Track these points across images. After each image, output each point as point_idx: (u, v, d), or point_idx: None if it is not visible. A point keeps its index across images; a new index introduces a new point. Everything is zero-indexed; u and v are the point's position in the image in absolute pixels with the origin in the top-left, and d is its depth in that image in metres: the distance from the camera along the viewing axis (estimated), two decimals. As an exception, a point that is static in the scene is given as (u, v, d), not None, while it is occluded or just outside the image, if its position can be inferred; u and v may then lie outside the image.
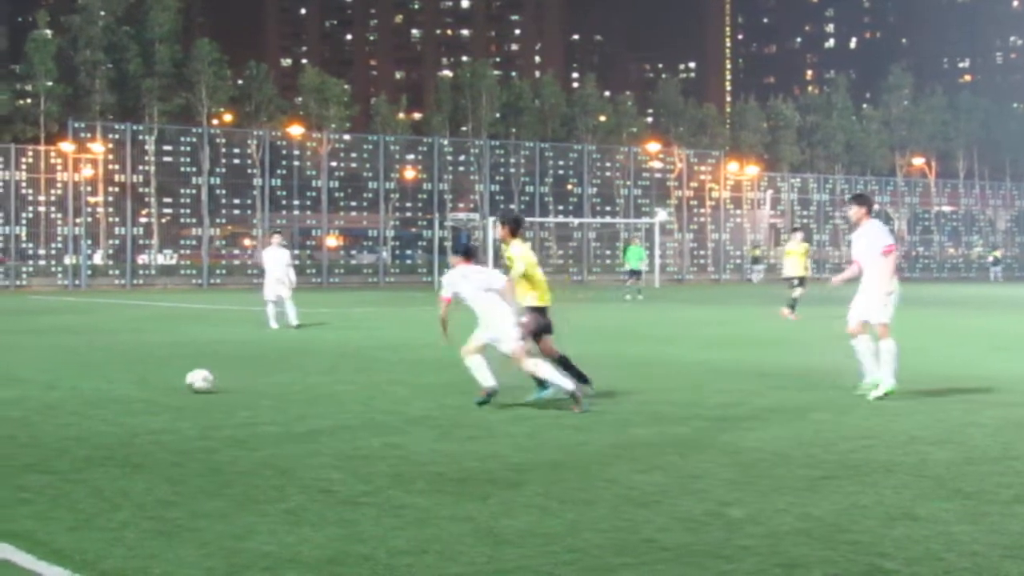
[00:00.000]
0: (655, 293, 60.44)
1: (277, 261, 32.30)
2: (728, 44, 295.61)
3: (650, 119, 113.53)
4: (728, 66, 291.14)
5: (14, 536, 8.48)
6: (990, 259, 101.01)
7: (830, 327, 24.92)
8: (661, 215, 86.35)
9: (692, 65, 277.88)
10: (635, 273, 54.96)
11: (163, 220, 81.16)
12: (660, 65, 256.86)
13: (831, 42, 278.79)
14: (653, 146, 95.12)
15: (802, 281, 36.68)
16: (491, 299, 14.93)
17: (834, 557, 8.02)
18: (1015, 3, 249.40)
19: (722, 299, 53.18)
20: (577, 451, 12.28)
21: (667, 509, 9.47)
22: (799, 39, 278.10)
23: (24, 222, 72.80)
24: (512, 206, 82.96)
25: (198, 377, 17.22)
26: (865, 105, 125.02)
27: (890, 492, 10.16)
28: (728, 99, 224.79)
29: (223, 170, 77.27)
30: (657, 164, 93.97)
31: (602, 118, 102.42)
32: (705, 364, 21.48)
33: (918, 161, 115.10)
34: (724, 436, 13.22)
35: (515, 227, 15.41)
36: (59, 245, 72.92)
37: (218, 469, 11.22)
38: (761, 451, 12.28)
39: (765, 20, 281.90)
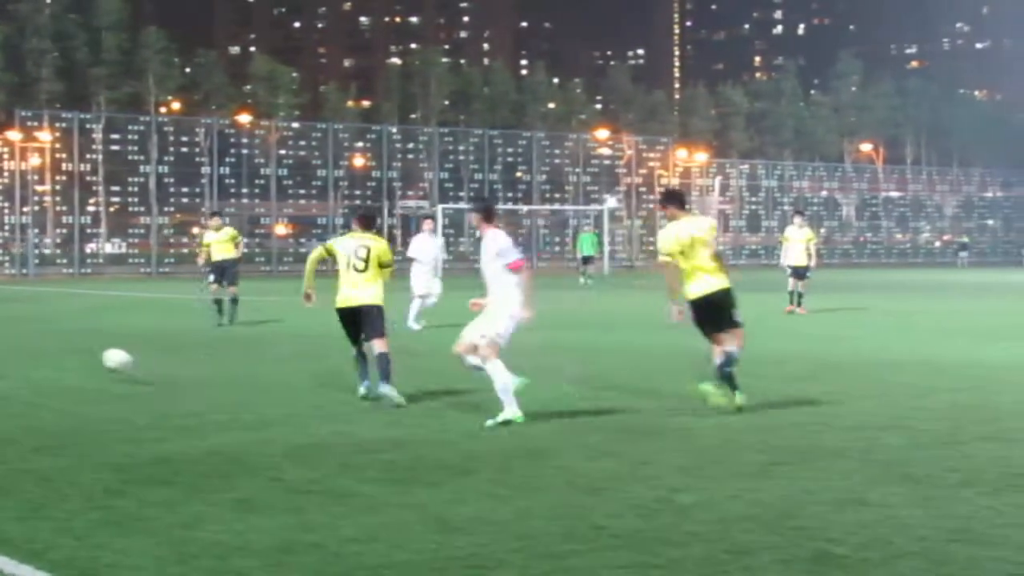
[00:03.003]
0: (605, 280, 60.51)
1: (428, 250, 28.19)
2: (677, 30, 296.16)
3: (600, 106, 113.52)
4: (677, 52, 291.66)
5: (-39, 527, 8.43)
6: (956, 245, 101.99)
7: (789, 316, 25.03)
8: (610, 202, 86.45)
9: (641, 52, 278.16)
10: (587, 260, 55.63)
11: (112, 209, 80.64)
12: (609, 52, 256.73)
13: (780, 28, 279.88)
14: (603, 133, 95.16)
15: (800, 271, 32.58)
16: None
17: (783, 543, 8.06)
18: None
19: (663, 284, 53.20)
20: (527, 438, 12.29)
21: (617, 496, 9.50)
22: (748, 25, 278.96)
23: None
24: (462, 194, 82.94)
25: (114, 357, 17.15)
26: (814, 91, 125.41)
27: (839, 477, 10.23)
28: (677, 86, 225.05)
29: (172, 158, 76.80)
30: (607, 151, 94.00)
31: (552, 105, 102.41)
32: (655, 350, 21.52)
33: (866, 147, 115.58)
34: (674, 422, 13.26)
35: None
36: (6, 234, 72.39)
37: (167, 458, 11.18)
38: (711, 437, 12.33)
39: (713, 6, 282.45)
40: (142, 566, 7.57)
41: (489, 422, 13.04)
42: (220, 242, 28.96)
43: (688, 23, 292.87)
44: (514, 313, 13.56)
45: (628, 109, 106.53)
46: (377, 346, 15.06)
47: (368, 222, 16.24)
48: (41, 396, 15.65)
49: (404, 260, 28.96)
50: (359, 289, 15.41)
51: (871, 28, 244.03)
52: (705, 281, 14.11)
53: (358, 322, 15.36)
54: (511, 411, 13.19)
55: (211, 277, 28.67)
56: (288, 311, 33.39)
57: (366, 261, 15.37)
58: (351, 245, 15.51)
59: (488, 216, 14.13)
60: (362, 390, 15.24)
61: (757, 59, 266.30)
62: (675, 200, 14.72)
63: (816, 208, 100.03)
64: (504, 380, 13.23)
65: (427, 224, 29.14)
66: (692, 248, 14.05)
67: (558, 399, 14.96)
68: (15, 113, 73.99)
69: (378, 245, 15.58)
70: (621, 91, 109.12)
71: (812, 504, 9.20)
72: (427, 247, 28.09)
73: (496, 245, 13.72)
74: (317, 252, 16.22)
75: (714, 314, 14.17)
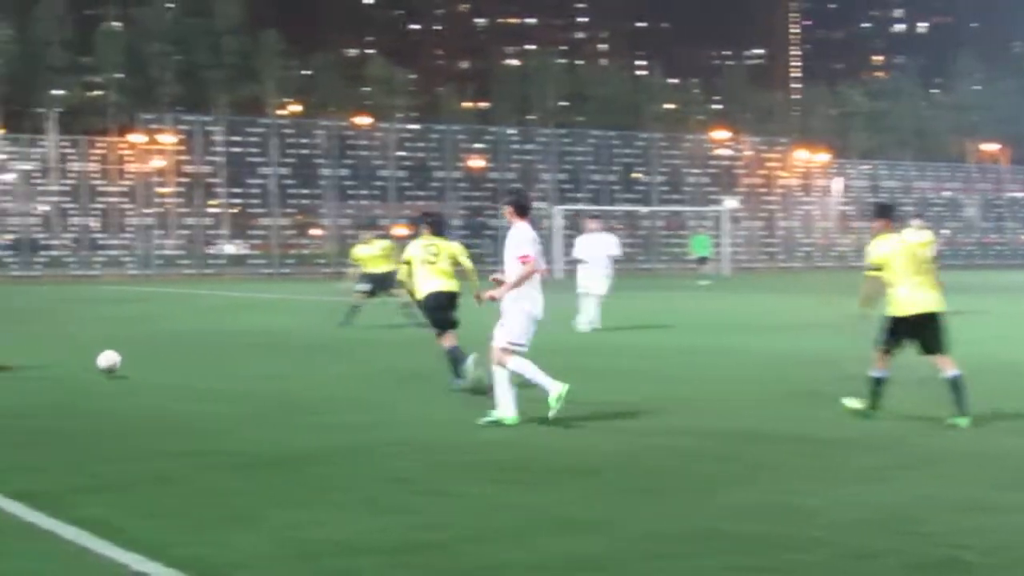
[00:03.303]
0: (724, 282, 60.21)
1: (599, 250, 27.52)
2: (796, 30, 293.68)
3: (717, 106, 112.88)
4: (796, 52, 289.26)
5: (89, 522, 8.55)
6: None
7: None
8: (729, 203, 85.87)
9: (759, 52, 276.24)
10: (702, 261, 55.92)
11: (232, 210, 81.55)
12: (727, 52, 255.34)
13: (900, 27, 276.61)
14: (720, 134, 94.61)
15: None
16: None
17: (908, 548, 7.95)
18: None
19: (792, 287, 52.81)
20: (650, 442, 12.23)
21: (738, 499, 9.43)
22: (867, 24, 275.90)
23: (95, 213, 73.37)
24: (580, 195, 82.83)
25: (105, 359, 17.59)
26: (935, 90, 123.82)
27: (965, 482, 10.08)
28: (796, 85, 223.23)
29: (291, 161, 77.46)
30: (725, 152, 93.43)
31: (669, 106, 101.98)
32: (773, 353, 21.37)
33: (990, 147, 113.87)
34: (794, 426, 13.15)
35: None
36: (130, 236, 73.40)
37: (289, 457, 11.27)
38: (831, 440, 12.21)
39: (832, 5, 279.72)
40: (264, 564, 7.62)
41: (481, 420, 13.18)
42: (374, 256, 28.59)
43: (807, 22, 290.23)
44: (526, 308, 13.46)
45: (746, 109, 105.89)
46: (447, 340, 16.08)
47: (438, 227, 17.10)
48: (164, 395, 15.84)
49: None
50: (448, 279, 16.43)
51: (993, 26, 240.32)
52: (915, 297, 13.58)
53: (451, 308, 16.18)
54: (505, 411, 13.21)
55: (366, 286, 28.40)
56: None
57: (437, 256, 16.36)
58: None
59: (520, 210, 14.01)
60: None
61: (877, 58, 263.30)
62: (886, 214, 14.33)
63: (938, 209, 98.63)
64: (529, 375, 13.22)
65: (592, 224, 28.60)
66: (906, 261, 13.57)
67: (673, 402, 14.89)
68: (138, 116, 75.04)
69: (449, 246, 16.70)
70: (739, 91, 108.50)
71: (937, 509, 9.06)
72: (591, 247, 27.53)
73: (514, 238, 13.66)
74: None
75: (917, 333, 13.62)
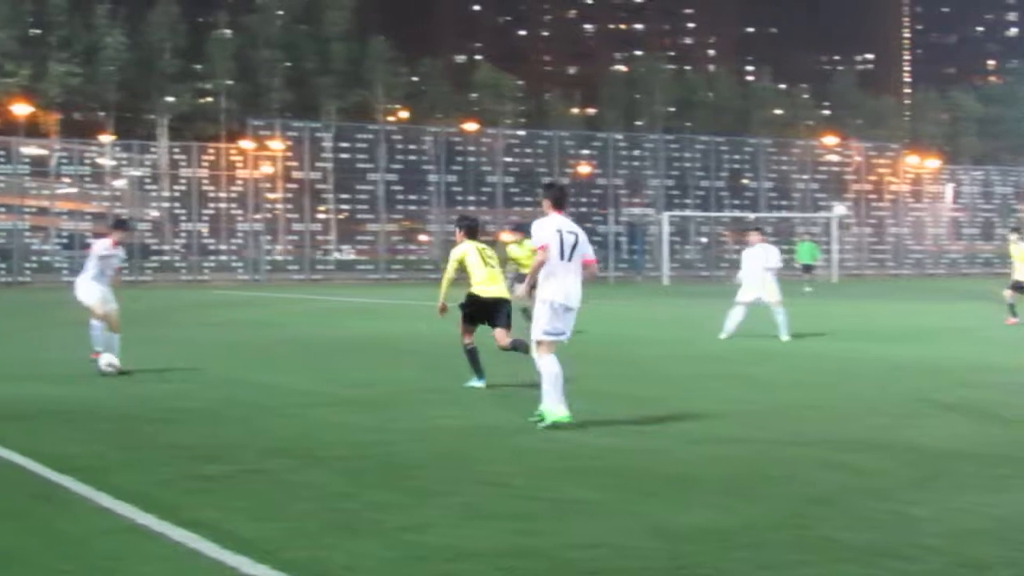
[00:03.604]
0: (832, 288, 59.80)
1: (756, 261, 27.28)
2: (906, 34, 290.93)
3: (826, 112, 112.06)
4: (906, 56, 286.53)
5: (199, 525, 8.63)
6: None
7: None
8: (838, 209, 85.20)
9: (869, 56, 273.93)
10: (808, 268, 56.22)
11: (340, 216, 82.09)
12: (836, 57, 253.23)
13: (1014, 30, 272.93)
14: (830, 139, 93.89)
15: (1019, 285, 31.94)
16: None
17: (1023, 559, 7.83)
18: None
19: (901, 293, 52.31)
20: (752, 448, 12.16)
21: (847, 507, 9.33)
22: (980, 27, 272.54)
23: (205, 219, 74.22)
24: (687, 201, 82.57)
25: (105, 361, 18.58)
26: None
27: (1080, 491, 9.93)
28: (906, 90, 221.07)
29: (399, 166, 77.87)
30: (834, 157, 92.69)
31: (777, 111, 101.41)
32: (885, 360, 21.16)
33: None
34: (906, 434, 13.01)
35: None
36: (239, 241, 74.16)
37: (395, 462, 11.31)
38: (944, 449, 12.05)
39: (944, 9, 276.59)
40: (373, 567, 7.65)
41: (537, 422, 13.31)
42: (523, 257, 28.31)
43: (918, 26, 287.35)
44: (544, 296, 13.42)
45: (856, 115, 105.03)
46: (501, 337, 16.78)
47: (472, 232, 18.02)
48: (273, 399, 15.96)
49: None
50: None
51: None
52: None
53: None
54: (556, 410, 13.25)
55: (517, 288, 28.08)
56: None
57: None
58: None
59: (557, 203, 13.93)
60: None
61: (990, 62, 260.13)
62: None
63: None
64: (550, 374, 13.25)
65: (753, 237, 28.44)
66: None
67: (780, 408, 14.79)
68: (247, 122, 75.82)
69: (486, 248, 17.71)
70: (848, 96, 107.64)
71: (1051, 519, 8.93)
72: (751, 258, 27.39)
73: (535, 228, 13.80)
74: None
75: None
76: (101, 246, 19.61)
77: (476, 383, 16.90)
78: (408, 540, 8.28)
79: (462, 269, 17.17)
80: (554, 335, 13.39)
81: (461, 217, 18.64)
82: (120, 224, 21.87)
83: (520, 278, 28.07)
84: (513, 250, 28.04)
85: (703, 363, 20.75)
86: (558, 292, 13.38)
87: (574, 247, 13.54)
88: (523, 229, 16.88)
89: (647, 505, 9.43)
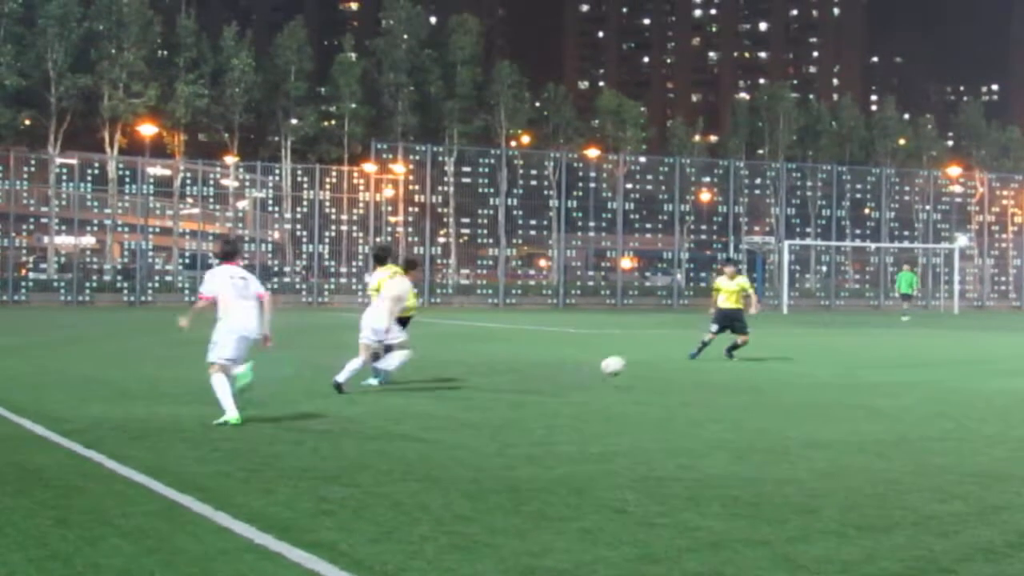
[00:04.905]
0: (951, 320, 59.18)
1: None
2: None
3: (951, 142, 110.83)
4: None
5: (318, 547, 8.69)
6: None
7: None
8: (961, 240, 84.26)
9: (995, 87, 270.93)
10: (907, 297, 57.60)
11: (461, 240, 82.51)
12: (961, 87, 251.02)
13: None
14: (954, 170, 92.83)
15: None
16: None
17: None
18: None
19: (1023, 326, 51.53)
20: (874, 478, 12.02)
21: (967, 539, 9.22)
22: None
23: (327, 240, 74.88)
24: (808, 230, 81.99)
25: (614, 364, 20.86)
26: None
27: None
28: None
29: (520, 191, 78.14)
30: (957, 188, 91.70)
31: (901, 141, 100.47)
32: (1012, 393, 20.84)
33: None
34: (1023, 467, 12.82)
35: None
36: (359, 263, 74.70)
37: (515, 486, 11.30)
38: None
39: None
40: (490, 591, 7.67)
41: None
42: (729, 291, 28.27)
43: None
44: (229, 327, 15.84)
45: (981, 145, 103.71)
46: None
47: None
48: (392, 421, 16.02)
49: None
50: None
51: None
52: None
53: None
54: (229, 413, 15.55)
55: (713, 327, 27.70)
56: (636, 344, 33.51)
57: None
58: None
59: (224, 255, 16.40)
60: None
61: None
62: None
63: None
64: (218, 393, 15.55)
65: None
66: None
67: (905, 439, 14.62)
68: (371, 146, 76.42)
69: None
70: (974, 127, 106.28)
71: None
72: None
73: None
74: None
75: None
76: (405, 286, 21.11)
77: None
78: (526, 564, 8.28)
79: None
80: (228, 361, 15.58)
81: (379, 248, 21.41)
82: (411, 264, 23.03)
83: (719, 315, 27.97)
84: (722, 282, 28.03)
85: (823, 392, 20.55)
86: (239, 324, 15.70)
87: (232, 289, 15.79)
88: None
89: (768, 533, 9.35)
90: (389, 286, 20.60)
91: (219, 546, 8.79)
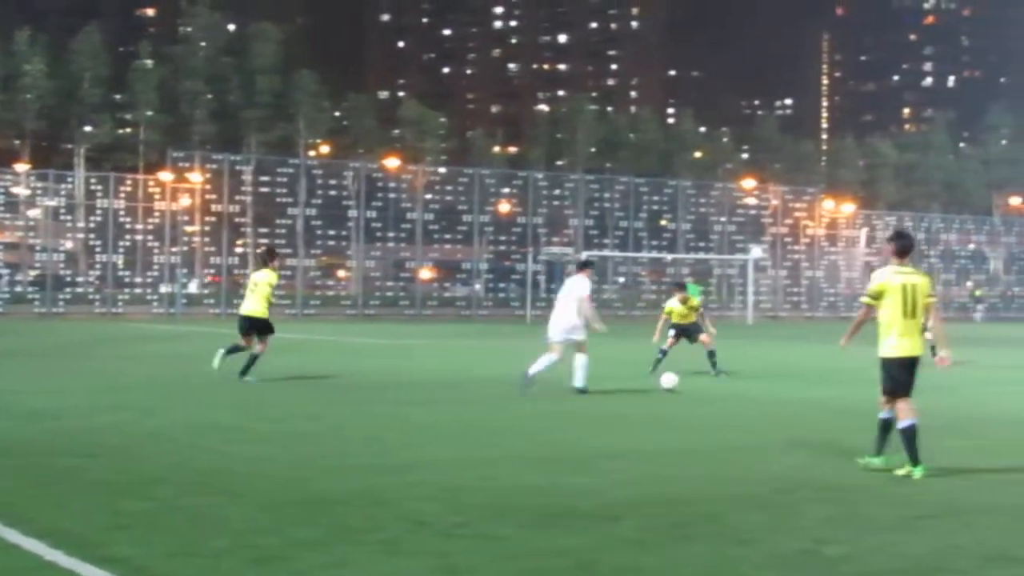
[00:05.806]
0: (747, 330, 60.23)
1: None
2: (826, 81, 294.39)
3: (746, 155, 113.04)
4: (825, 103, 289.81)
5: (112, 562, 8.57)
6: None
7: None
8: (755, 251, 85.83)
9: (789, 102, 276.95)
10: None
11: (259, 250, 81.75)
12: (757, 101, 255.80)
13: (929, 80, 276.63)
14: (749, 182, 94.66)
15: None
16: None
17: (931, 599, 7.95)
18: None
19: (816, 336, 52.71)
20: (673, 487, 12.24)
21: (763, 547, 9.43)
22: (897, 77, 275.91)
23: (121, 250, 73.50)
24: (607, 241, 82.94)
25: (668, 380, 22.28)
26: (963, 144, 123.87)
27: (989, 533, 10.07)
28: (825, 136, 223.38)
29: (319, 201, 77.66)
30: (752, 200, 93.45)
31: (698, 154, 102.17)
32: (804, 402, 21.33)
33: (1016, 200, 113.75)
34: (820, 474, 13.15)
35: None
36: (155, 274, 73.54)
37: (312, 499, 11.27)
38: (857, 489, 12.20)
39: (863, 58, 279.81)
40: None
41: None
42: (683, 313, 28.53)
43: (837, 74, 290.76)
44: None
45: (775, 159, 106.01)
46: None
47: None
48: (191, 434, 15.85)
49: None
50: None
51: (1022, 80, 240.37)
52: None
53: None
54: None
55: (672, 332, 28.44)
56: (436, 355, 33.56)
57: None
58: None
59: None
60: None
61: (906, 111, 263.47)
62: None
63: (963, 261, 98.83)
64: None
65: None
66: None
67: (700, 449, 14.88)
68: (168, 154, 75.36)
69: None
70: (768, 141, 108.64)
71: (960, 559, 9.06)
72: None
73: None
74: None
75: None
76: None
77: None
78: (325, 577, 8.28)
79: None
80: None
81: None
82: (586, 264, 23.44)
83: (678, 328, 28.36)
84: (673, 303, 28.42)
85: (620, 402, 20.81)
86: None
87: None
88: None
89: (568, 542, 9.44)
90: (572, 287, 22.01)
91: (7, 564, 8.60)
